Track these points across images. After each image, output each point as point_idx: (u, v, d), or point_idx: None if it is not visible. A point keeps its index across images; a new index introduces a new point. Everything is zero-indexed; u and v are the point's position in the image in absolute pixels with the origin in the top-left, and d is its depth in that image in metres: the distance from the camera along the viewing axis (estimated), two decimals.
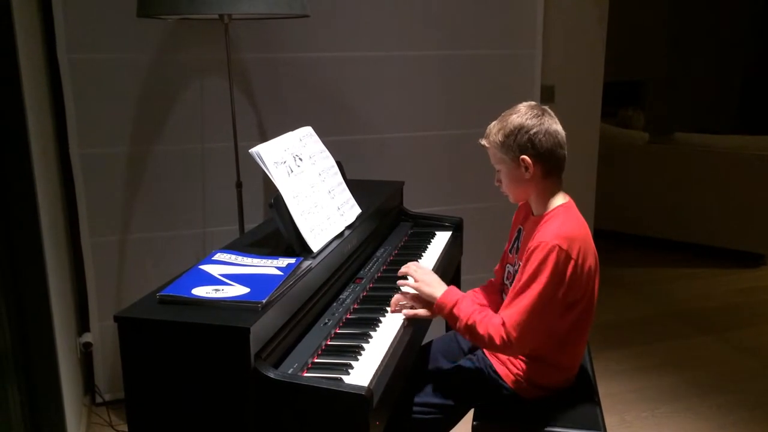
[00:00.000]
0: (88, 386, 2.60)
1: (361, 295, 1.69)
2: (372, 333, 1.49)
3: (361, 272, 1.84)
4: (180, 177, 2.51)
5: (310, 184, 1.72)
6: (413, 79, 2.76)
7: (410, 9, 2.69)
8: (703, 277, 4.05)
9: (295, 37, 2.54)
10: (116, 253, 2.49)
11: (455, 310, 1.54)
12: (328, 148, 1.91)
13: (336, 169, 1.91)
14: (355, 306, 1.63)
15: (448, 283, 1.63)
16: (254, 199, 2.61)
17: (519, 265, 1.57)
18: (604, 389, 1.94)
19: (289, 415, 1.23)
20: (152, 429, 1.30)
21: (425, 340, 1.83)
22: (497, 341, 1.47)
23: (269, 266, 1.47)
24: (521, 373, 1.61)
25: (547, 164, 1.55)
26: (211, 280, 1.39)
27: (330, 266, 1.64)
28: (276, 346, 1.31)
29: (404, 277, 1.71)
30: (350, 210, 1.86)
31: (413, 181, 2.51)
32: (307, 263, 1.52)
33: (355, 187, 1.97)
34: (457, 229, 2.27)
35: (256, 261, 1.51)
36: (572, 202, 1.60)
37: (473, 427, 1.59)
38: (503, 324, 1.47)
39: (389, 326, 1.53)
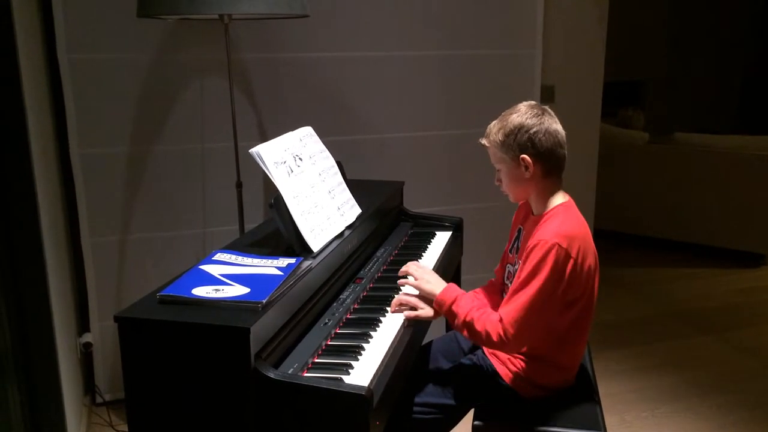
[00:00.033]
0: (89, 386, 2.60)
1: (362, 295, 1.69)
2: (372, 333, 1.49)
3: (362, 272, 1.84)
4: (180, 177, 2.51)
5: (311, 184, 1.72)
6: (413, 79, 2.76)
7: (410, 9, 2.69)
8: (703, 277, 4.05)
9: (295, 37, 2.54)
10: (116, 253, 2.49)
11: (454, 307, 1.55)
12: (328, 148, 1.91)
13: (336, 169, 1.91)
14: (356, 306, 1.63)
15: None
16: (254, 199, 2.61)
17: (519, 264, 1.57)
18: (604, 389, 1.94)
19: (290, 415, 1.23)
20: (152, 429, 1.30)
21: (425, 340, 1.83)
22: (494, 338, 1.48)
23: (269, 266, 1.47)
24: (521, 373, 1.61)
25: (547, 164, 1.55)
26: (211, 280, 1.39)
27: (330, 266, 1.64)
28: (276, 346, 1.31)
29: (405, 277, 1.72)
30: (350, 210, 1.86)
31: (413, 181, 2.51)
32: (307, 263, 1.52)
33: (355, 187, 1.97)
34: (457, 229, 2.27)
35: (256, 261, 1.51)
36: (572, 201, 1.61)
37: (473, 427, 1.59)
38: (501, 320, 1.48)
39: (389, 326, 1.53)
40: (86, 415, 2.48)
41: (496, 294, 1.79)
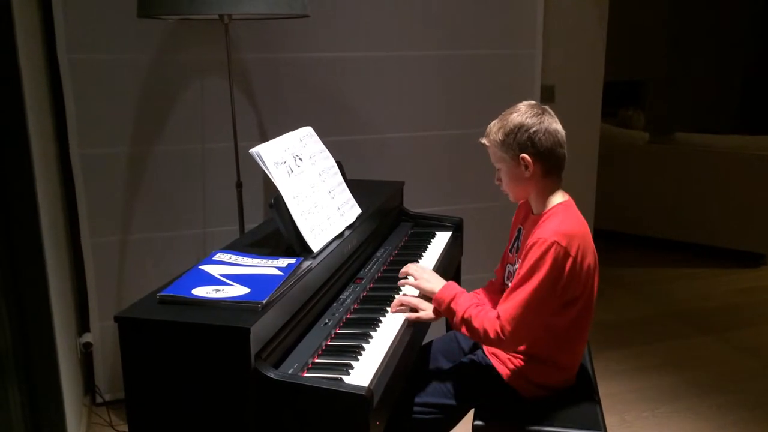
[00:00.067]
0: (89, 386, 2.60)
1: (362, 295, 1.69)
2: (372, 333, 1.49)
3: (362, 272, 1.84)
4: (180, 177, 2.51)
5: (311, 184, 1.72)
6: (413, 79, 2.76)
7: (410, 9, 2.69)
8: (703, 277, 4.05)
9: (296, 37, 2.54)
10: (116, 253, 2.49)
11: (453, 305, 1.55)
12: (328, 148, 1.91)
13: (336, 169, 1.91)
14: (356, 306, 1.63)
15: None
16: (254, 199, 2.61)
17: (519, 263, 1.57)
18: (604, 389, 1.94)
19: (290, 416, 1.23)
20: (153, 429, 1.30)
21: (425, 340, 1.83)
22: (491, 335, 1.48)
23: (269, 266, 1.47)
24: (521, 373, 1.61)
25: (547, 163, 1.55)
26: (211, 280, 1.39)
27: (330, 266, 1.64)
28: (276, 346, 1.31)
29: (405, 278, 1.72)
30: (350, 210, 1.86)
31: (413, 181, 2.51)
32: (307, 263, 1.52)
33: (355, 187, 1.97)
34: (457, 229, 2.27)
35: (256, 261, 1.51)
36: (572, 200, 1.61)
37: (474, 427, 1.59)
38: (498, 317, 1.48)
39: (389, 326, 1.53)
40: (86, 415, 2.48)
41: (497, 294, 1.79)
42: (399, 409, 1.63)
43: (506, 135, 1.55)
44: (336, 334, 1.48)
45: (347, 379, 1.29)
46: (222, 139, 2.44)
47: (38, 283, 1.78)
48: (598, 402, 1.66)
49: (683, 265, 4.25)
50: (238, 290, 1.34)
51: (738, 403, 2.63)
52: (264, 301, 1.28)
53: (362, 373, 1.32)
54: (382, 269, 1.87)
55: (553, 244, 1.46)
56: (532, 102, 1.59)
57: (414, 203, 2.45)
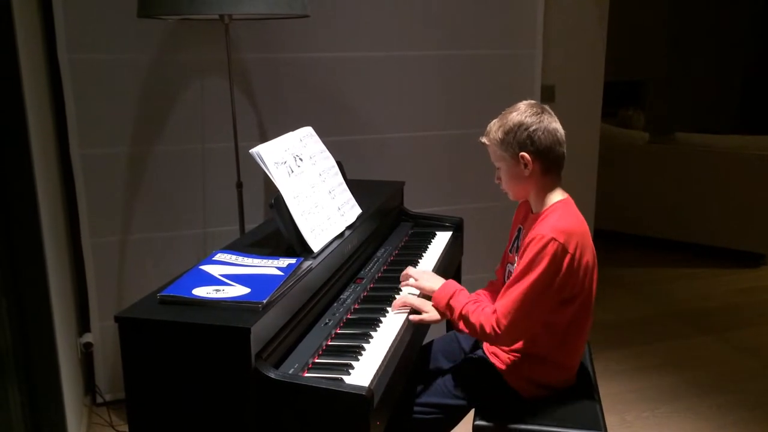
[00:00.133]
0: (89, 386, 2.60)
1: (362, 295, 1.69)
2: (373, 333, 1.49)
3: (362, 272, 1.84)
4: (180, 177, 2.51)
5: (311, 184, 1.72)
6: (413, 79, 2.76)
7: (410, 9, 2.69)
8: (703, 277, 4.05)
9: (296, 37, 2.54)
10: (117, 253, 2.49)
11: (452, 302, 1.56)
12: (328, 148, 1.91)
13: (336, 169, 1.91)
14: (356, 306, 1.63)
15: None
16: (254, 199, 2.61)
17: (518, 260, 1.57)
18: (604, 389, 1.94)
19: (290, 416, 1.23)
20: (153, 429, 1.30)
21: (426, 340, 1.83)
22: (487, 329, 1.49)
23: (270, 266, 1.47)
24: (522, 372, 1.62)
25: (546, 161, 1.55)
26: (211, 280, 1.39)
27: (330, 266, 1.64)
28: (277, 346, 1.31)
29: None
30: (351, 210, 1.86)
31: (413, 181, 2.51)
32: (307, 263, 1.52)
33: (356, 187, 1.97)
34: (457, 229, 2.27)
35: (256, 261, 1.51)
36: (571, 199, 1.61)
37: (474, 427, 1.59)
38: (494, 312, 1.49)
39: (390, 326, 1.53)
40: (86, 415, 2.48)
41: (497, 294, 1.79)
42: (399, 409, 1.63)
43: (506, 133, 1.55)
44: (336, 334, 1.48)
45: (348, 379, 1.29)
46: (222, 139, 2.44)
47: (38, 283, 1.78)
48: (599, 402, 1.66)
49: (683, 265, 4.25)
50: (238, 290, 1.34)
51: (738, 403, 2.63)
52: (264, 301, 1.28)
53: (363, 373, 1.32)
54: (382, 269, 1.87)
55: (551, 240, 1.46)
56: (532, 101, 1.60)
57: (414, 203, 2.45)
